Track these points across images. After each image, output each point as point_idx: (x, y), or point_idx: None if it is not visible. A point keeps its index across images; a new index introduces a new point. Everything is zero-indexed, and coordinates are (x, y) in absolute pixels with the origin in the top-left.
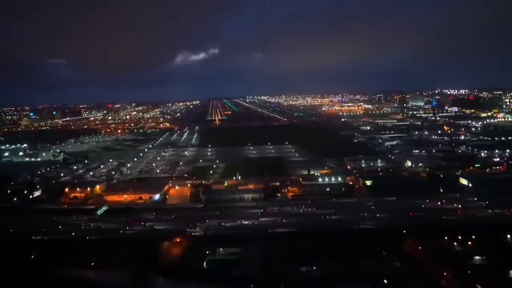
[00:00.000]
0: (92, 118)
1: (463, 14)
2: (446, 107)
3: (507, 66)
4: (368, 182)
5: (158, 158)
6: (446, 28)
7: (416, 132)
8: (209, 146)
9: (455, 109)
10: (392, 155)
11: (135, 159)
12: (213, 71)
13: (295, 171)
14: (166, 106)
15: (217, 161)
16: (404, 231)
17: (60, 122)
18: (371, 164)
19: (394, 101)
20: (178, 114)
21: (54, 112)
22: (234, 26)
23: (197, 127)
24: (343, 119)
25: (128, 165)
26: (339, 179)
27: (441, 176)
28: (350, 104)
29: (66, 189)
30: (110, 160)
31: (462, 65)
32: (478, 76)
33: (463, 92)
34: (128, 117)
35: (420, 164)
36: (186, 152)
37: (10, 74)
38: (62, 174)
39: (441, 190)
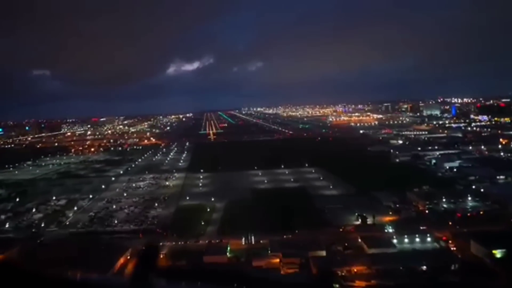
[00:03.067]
0: (69, 134)
1: (462, 22)
2: (471, 116)
3: (508, 73)
4: (498, 253)
5: (127, 193)
6: (445, 36)
7: (470, 148)
8: (201, 170)
9: (484, 117)
10: (472, 184)
11: (94, 194)
12: (207, 83)
13: (340, 218)
14: (157, 119)
15: (212, 197)
16: None
17: (30, 138)
18: (458, 204)
19: (403, 110)
20: (168, 128)
21: (27, 127)
22: (228, 37)
23: (187, 143)
24: (360, 131)
25: (79, 205)
26: (428, 239)
27: None
28: (356, 114)
29: None
30: (54, 198)
31: (461, 74)
32: (478, 84)
33: (468, 101)
34: (110, 131)
35: None
36: (168, 181)
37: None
38: None
39: None
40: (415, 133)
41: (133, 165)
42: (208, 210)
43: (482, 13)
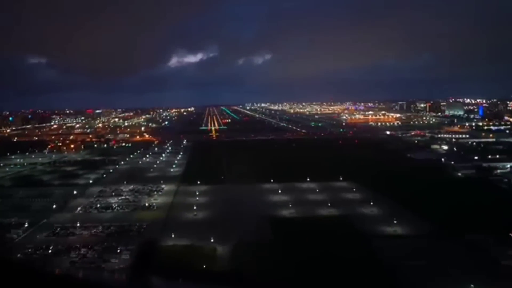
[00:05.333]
0: (55, 126)
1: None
2: (505, 117)
3: None
4: None
5: (88, 218)
6: (456, 34)
7: None
8: (198, 181)
9: None
10: None
11: (40, 217)
12: (210, 76)
13: None
14: (156, 113)
15: (211, 233)
16: None
17: (9, 131)
18: None
19: (420, 109)
20: (166, 122)
21: (11, 118)
22: (231, 29)
23: (185, 141)
24: (386, 132)
25: (8, 238)
26: None
27: None
28: (370, 112)
29: None
30: None
31: (469, 74)
32: (488, 85)
33: (482, 102)
34: (101, 125)
35: None
36: (152, 198)
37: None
38: None
39: None
40: (454, 136)
41: (111, 170)
42: (204, 264)
43: (490, 13)
